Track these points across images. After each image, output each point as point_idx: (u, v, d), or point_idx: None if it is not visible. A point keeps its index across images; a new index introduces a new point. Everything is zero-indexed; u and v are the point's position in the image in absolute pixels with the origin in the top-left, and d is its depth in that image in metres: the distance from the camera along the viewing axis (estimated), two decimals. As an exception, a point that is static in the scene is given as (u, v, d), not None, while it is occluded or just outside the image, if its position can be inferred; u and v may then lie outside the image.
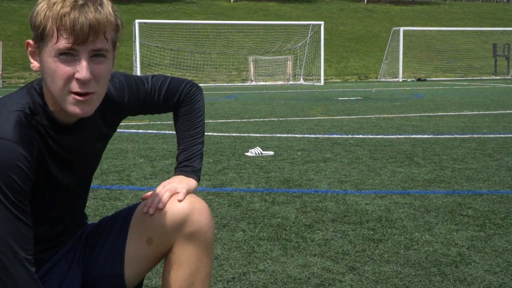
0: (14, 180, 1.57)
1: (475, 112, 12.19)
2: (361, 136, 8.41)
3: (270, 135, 8.63)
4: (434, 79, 33.29)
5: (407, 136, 8.33)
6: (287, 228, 3.82)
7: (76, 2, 1.57)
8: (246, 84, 29.86)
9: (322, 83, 28.75)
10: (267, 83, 30.10)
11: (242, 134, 8.73)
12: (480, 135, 8.35)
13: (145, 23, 29.74)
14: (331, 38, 38.08)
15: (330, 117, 11.38)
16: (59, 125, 1.73)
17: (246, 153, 6.79)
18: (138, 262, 1.88)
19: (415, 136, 8.38)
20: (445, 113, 12.05)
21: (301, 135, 8.58)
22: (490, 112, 12.27)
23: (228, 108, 13.97)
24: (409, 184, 5.14)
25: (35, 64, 1.67)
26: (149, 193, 1.89)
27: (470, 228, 3.80)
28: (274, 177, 5.46)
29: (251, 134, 8.71)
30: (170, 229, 1.83)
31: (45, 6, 1.58)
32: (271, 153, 6.83)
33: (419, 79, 32.25)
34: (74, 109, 1.64)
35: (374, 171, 5.73)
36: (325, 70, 30.83)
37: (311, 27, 31.67)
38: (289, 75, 31.28)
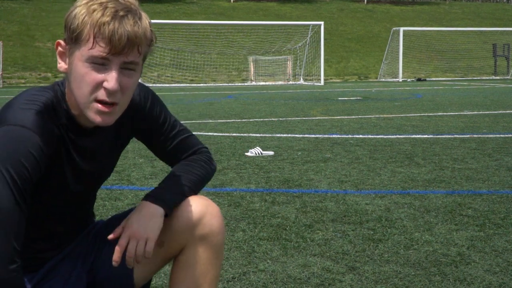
0: (25, 167, 1.58)
1: (475, 112, 12.19)
2: (361, 136, 8.42)
3: (270, 135, 8.63)
4: (434, 79, 33.29)
5: (407, 136, 8.33)
6: (287, 228, 3.83)
7: (117, 12, 1.58)
8: (246, 84, 29.86)
9: (322, 83, 28.75)
10: (267, 83, 30.09)
11: (242, 134, 8.73)
12: (480, 135, 8.35)
13: (145, 23, 29.69)
14: (331, 38, 38.08)
15: (330, 117, 11.38)
16: (79, 127, 1.73)
17: (246, 153, 6.79)
18: (147, 263, 1.87)
19: (415, 136, 8.38)
20: (445, 113, 12.05)
21: (301, 135, 8.59)
22: (490, 112, 12.27)
23: (228, 108, 13.97)
24: (409, 184, 5.14)
25: (62, 64, 1.67)
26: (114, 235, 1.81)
27: (470, 228, 3.80)
28: (274, 177, 5.46)
29: (251, 134, 8.71)
30: (182, 232, 1.83)
31: (84, 10, 1.59)
32: (271, 153, 6.84)
33: (419, 79, 32.25)
34: (96, 118, 1.64)
35: (374, 171, 5.74)
36: (325, 70, 30.83)
37: (311, 27, 31.67)
38: (289, 75, 31.28)
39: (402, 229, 3.80)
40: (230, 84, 29.88)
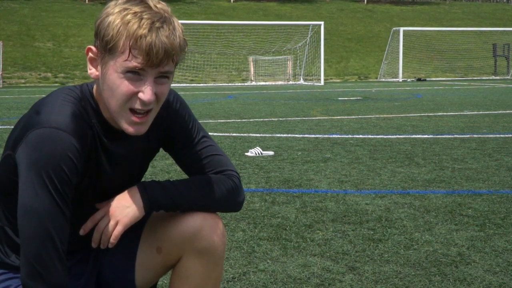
0: (63, 170, 1.57)
1: (475, 112, 12.19)
2: (361, 136, 8.42)
3: (270, 135, 8.63)
4: (434, 79, 33.29)
5: (407, 136, 8.33)
6: (287, 228, 3.83)
7: (153, 24, 1.56)
8: (246, 84, 29.86)
9: (322, 83, 28.74)
10: (267, 83, 30.09)
11: (242, 134, 8.73)
12: (480, 135, 8.35)
13: (145, 23, 29.70)
14: (331, 38, 38.08)
15: (330, 117, 11.38)
16: (110, 129, 1.71)
17: (246, 153, 6.79)
18: (148, 269, 1.87)
19: (415, 136, 8.38)
20: (445, 113, 12.05)
21: (301, 135, 8.58)
22: (490, 112, 12.27)
23: (228, 108, 13.97)
24: (409, 184, 5.14)
25: (93, 71, 1.65)
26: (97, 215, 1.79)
27: (470, 228, 3.80)
28: (274, 177, 5.46)
29: (251, 134, 8.71)
30: (179, 242, 1.81)
31: (118, 20, 1.56)
32: (271, 153, 6.84)
33: (419, 79, 32.24)
34: (128, 128, 1.64)
35: (374, 171, 5.74)
36: (325, 70, 30.82)
37: (311, 27, 31.66)
38: (289, 75, 31.27)
39: (402, 229, 3.80)
40: (230, 84, 29.87)
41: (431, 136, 8.38)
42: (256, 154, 6.70)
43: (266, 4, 45.67)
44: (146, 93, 1.59)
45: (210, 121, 10.74)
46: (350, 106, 14.51)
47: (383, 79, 33.00)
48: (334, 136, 8.44)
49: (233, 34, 33.51)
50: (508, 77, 34.49)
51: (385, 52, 34.21)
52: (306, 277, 2.99)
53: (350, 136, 8.42)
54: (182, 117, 1.85)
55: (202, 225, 1.79)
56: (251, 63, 31.50)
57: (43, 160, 1.55)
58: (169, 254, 1.84)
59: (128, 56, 1.56)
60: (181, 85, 28.62)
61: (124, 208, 1.75)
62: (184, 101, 1.90)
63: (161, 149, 1.94)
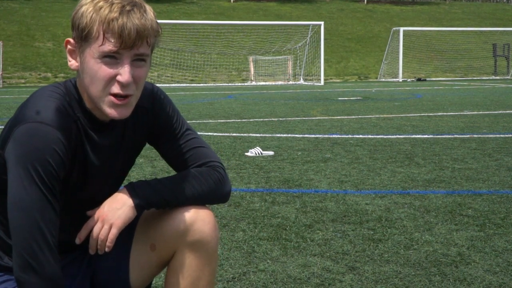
0: (50, 163, 1.60)
1: (475, 112, 12.19)
2: (361, 136, 8.42)
3: (270, 135, 8.63)
4: (434, 79, 33.28)
5: (407, 136, 8.33)
6: (287, 228, 3.83)
7: (124, 7, 1.61)
8: (246, 84, 29.85)
9: (322, 83, 28.74)
10: (267, 83, 30.08)
11: (242, 134, 8.73)
12: (480, 135, 8.35)
13: (145, 23, 29.67)
14: (331, 38, 38.08)
15: (330, 117, 11.38)
16: (95, 120, 1.75)
17: (246, 153, 6.79)
18: (142, 268, 1.88)
19: (415, 136, 8.38)
20: (445, 113, 12.05)
21: (301, 135, 8.58)
22: (490, 112, 12.27)
23: (228, 108, 13.97)
24: (409, 184, 5.14)
25: (73, 62, 1.70)
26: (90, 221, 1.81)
27: (470, 228, 3.80)
28: (274, 177, 5.46)
29: (251, 134, 8.71)
30: (172, 236, 1.82)
31: (91, 8, 1.62)
32: (271, 153, 6.84)
33: (419, 79, 32.24)
34: (111, 112, 1.67)
35: (374, 171, 5.74)
36: (325, 70, 30.82)
37: (311, 27, 31.66)
38: (289, 75, 31.27)
39: (402, 229, 3.80)
40: (230, 84, 29.87)
41: (431, 136, 8.38)
42: (256, 154, 6.70)
43: (266, 4, 45.67)
44: (123, 75, 1.63)
45: (210, 121, 10.74)
46: (350, 106, 14.51)
47: (383, 79, 33.00)
48: (334, 136, 8.44)
49: (233, 34, 33.51)
50: (508, 77, 34.49)
51: (385, 52, 34.21)
52: (306, 277, 2.99)
53: (350, 136, 8.42)
54: (166, 109, 1.89)
55: (194, 219, 1.81)
56: (251, 63, 31.50)
57: (30, 154, 1.58)
58: (163, 250, 1.85)
59: (103, 41, 1.61)
60: (181, 85, 28.62)
61: (115, 211, 1.77)
62: (167, 96, 1.93)
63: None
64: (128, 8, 1.61)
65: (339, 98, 17.40)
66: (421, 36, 37.36)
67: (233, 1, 45.57)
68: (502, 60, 36.05)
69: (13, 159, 1.60)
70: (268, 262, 3.20)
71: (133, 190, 1.79)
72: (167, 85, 28.06)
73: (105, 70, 1.63)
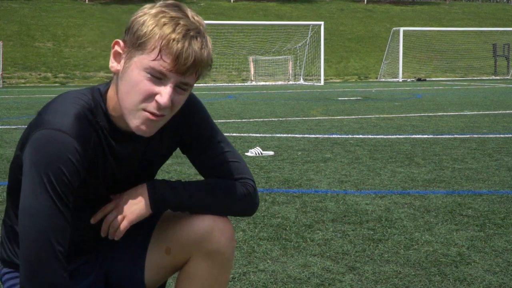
0: (63, 172, 1.57)
1: (475, 112, 12.19)
2: (361, 136, 8.42)
3: (270, 135, 8.63)
4: (434, 79, 33.29)
5: (407, 136, 8.33)
6: (287, 228, 3.82)
7: (188, 31, 1.55)
8: (246, 84, 29.86)
9: (322, 83, 28.74)
10: (267, 83, 30.08)
11: (242, 134, 8.73)
12: (480, 135, 8.35)
13: (145, 23, 29.69)
14: (331, 38, 38.08)
15: (330, 117, 11.38)
16: (117, 130, 1.70)
17: (246, 153, 6.79)
18: (157, 269, 1.87)
19: (415, 136, 8.38)
20: (445, 113, 12.05)
21: (301, 135, 8.58)
22: (490, 112, 12.27)
23: (228, 108, 13.97)
24: (409, 184, 5.14)
25: (115, 65, 1.64)
26: (108, 207, 1.81)
27: (470, 228, 3.80)
28: (274, 177, 5.46)
29: (251, 134, 8.71)
30: (188, 243, 1.81)
31: (153, 20, 1.56)
32: (271, 153, 6.84)
33: (419, 79, 32.24)
34: (140, 127, 1.62)
35: (374, 171, 5.73)
36: (325, 70, 30.82)
37: (311, 27, 31.66)
38: (289, 75, 31.27)
39: (402, 229, 3.80)
40: (230, 84, 29.87)
41: (431, 136, 8.38)
42: (256, 154, 6.70)
43: (266, 4, 45.67)
44: (163, 97, 1.58)
45: (210, 121, 10.73)
46: (350, 106, 14.51)
47: (383, 79, 33.00)
48: (334, 136, 8.44)
49: (233, 34, 33.51)
50: (508, 77, 34.49)
51: (385, 52, 34.22)
52: (306, 277, 2.99)
53: (350, 136, 8.42)
54: (199, 118, 1.84)
55: (212, 228, 1.79)
56: (251, 63, 31.50)
57: (44, 162, 1.56)
58: (178, 255, 1.84)
59: (157, 56, 1.55)
60: (181, 85, 28.57)
61: (131, 205, 1.77)
62: (202, 104, 1.87)
63: None
64: (192, 33, 1.56)
65: (339, 98, 17.40)
66: (421, 36, 37.36)
67: (233, 1, 45.57)
68: (502, 60, 36.05)
69: (28, 164, 1.58)
70: (268, 262, 3.20)
71: (153, 188, 1.78)
72: (167, 85, 28.00)
73: (146, 85, 1.58)
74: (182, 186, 1.79)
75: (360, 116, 11.52)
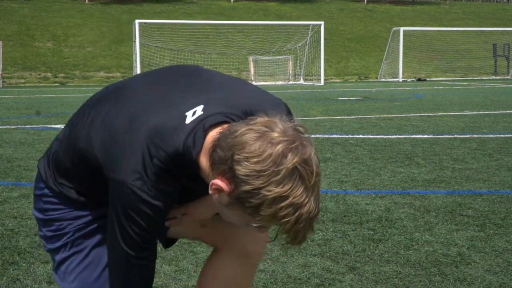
0: (146, 229, 1.60)
1: (475, 112, 12.18)
2: (361, 136, 8.41)
3: (270, 135, 8.61)
4: (434, 79, 33.28)
5: (407, 136, 8.33)
6: (287, 228, 3.82)
7: (312, 221, 1.51)
8: (246, 84, 29.80)
9: (322, 83, 28.74)
10: (267, 83, 30.07)
11: (242, 134, 8.71)
12: (480, 135, 8.35)
13: (145, 23, 29.73)
14: (331, 38, 38.07)
15: (330, 117, 11.37)
16: (197, 176, 1.61)
17: (246, 153, 6.78)
18: (184, 227, 1.86)
19: (415, 136, 8.38)
20: (445, 113, 12.05)
21: (301, 135, 8.56)
22: (490, 112, 12.26)
23: (228, 108, 13.94)
24: (409, 184, 5.14)
25: (225, 186, 1.46)
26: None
27: (470, 228, 3.80)
28: (274, 177, 5.45)
29: (251, 134, 8.69)
30: (226, 234, 1.83)
31: (271, 204, 1.42)
32: (271, 153, 6.82)
33: (419, 79, 32.24)
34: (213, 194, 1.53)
35: (374, 171, 5.73)
36: (325, 70, 30.81)
37: (311, 27, 31.66)
38: (289, 75, 31.27)
39: (402, 229, 3.79)
40: (230, 84, 29.80)
41: (431, 136, 8.37)
42: (256, 154, 6.69)
43: (266, 4, 45.67)
44: (257, 244, 1.72)
45: (210, 121, 10.72)
46: (350, 106, 14.51)
47: (383, 79, 32.99)
48: (334, 136, 8.43)
49: (233, 34, 33.52)
50: (508, 77, 34.49)
51: (385, 52, 34.21)
52: (306, 277, 2.99)
53: (350, 136, 8.41)
54: None
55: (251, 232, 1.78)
56: (251, 63, 31.50)
57: (127, 213, 1.56)
58: (210, 237, 1.87)
59: (262, 230, 1.53)
60: (181, 85, 28.55)
61: (200, 209, 1.80)
62: None
63: None
64: (311, 222, 1.50)
65: (339, 98, 17.40)
66: (421, 36, 37.35)
67: (233, 1, 45.57)
68: (502, 60, 36.04)
69: (114, 205, 1.58)
70: (268, 262, 3.20)
71: None
72: (167, 85, 28.00)
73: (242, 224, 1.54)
74: None
75: (360, 116, 11.52)
